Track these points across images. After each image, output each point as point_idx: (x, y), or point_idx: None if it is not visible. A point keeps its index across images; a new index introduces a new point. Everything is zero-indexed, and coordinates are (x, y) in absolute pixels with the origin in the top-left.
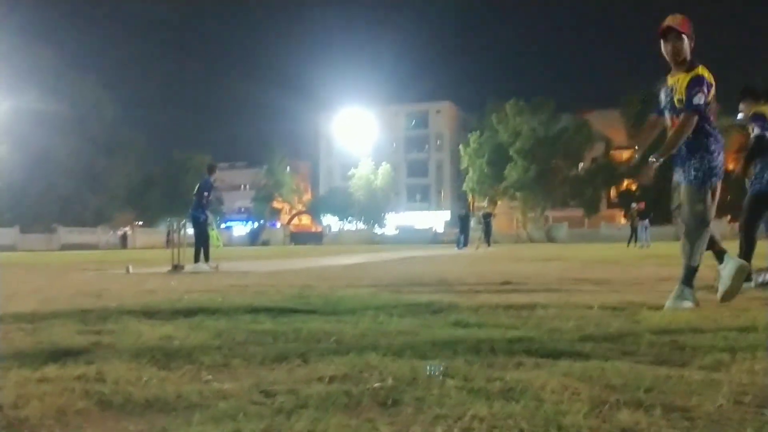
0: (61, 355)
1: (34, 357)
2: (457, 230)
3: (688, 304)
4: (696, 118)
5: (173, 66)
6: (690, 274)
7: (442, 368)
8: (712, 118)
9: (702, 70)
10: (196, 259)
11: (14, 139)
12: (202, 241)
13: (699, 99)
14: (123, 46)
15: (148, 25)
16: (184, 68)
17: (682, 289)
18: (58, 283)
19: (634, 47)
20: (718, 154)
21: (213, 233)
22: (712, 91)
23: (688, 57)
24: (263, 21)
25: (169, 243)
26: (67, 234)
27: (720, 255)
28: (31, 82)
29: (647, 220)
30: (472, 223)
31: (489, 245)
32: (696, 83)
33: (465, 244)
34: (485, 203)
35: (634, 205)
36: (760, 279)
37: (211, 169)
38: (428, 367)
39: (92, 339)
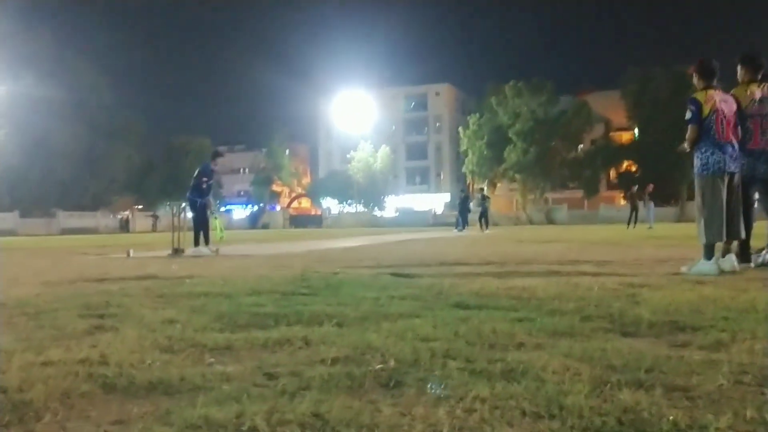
0: (64, 338)
1: (38, 341)
2: (456, 212)
3: None
4: (689, 128)
5: (172, 49)
6: None
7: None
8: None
9: (696, 94)
10: (196, 243)
11: (13, 124)
12: (201, 225)
13: (687, 114)
14: (122, 30)
15: (147, 9)
16: (183, 52)
17: None
18: (59, 268)
19: (633, 28)
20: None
21: (216, 222)
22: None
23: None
24: (262, 4)
25: (154, 227)
26: (67, 218)
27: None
28: (29, 66)
29: (652, 202)
30: (472, 205)
31: (485, 228)
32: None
33: (464, 226)
34: (484, 185)
35: (634, 188)
36: (760, 259)
37: (215, 155)
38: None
39: (95, 323)
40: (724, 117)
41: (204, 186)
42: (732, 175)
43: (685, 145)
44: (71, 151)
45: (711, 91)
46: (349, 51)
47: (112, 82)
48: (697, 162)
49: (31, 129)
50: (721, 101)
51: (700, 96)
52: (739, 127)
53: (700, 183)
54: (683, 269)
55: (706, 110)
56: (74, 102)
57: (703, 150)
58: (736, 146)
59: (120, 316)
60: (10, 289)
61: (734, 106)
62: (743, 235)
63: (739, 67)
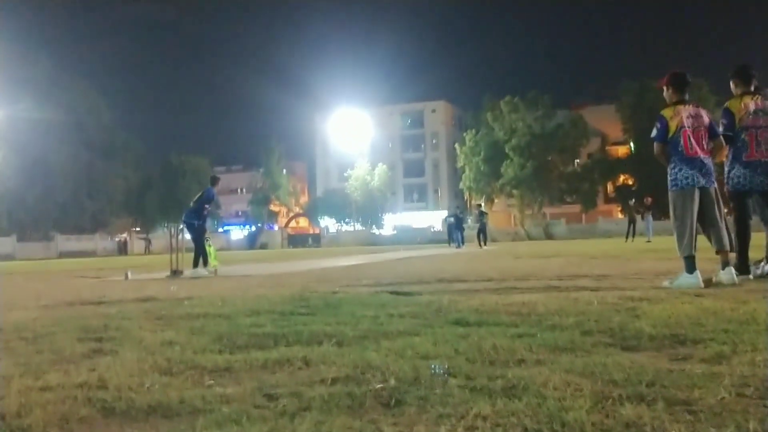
0: (62, 362)
1: (36, 365)
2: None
3: None
4: (654, 145)
5: (168, 69)
6: None
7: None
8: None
9: (663, 110)
10: (195, 264)
11: (11, 146)
12: (200, 247)
13: (652, 132)
14: (118, 51)
15: (143, 29)
16: (179, 71)
17: None
18: (57, 291)
19: (627, 42)
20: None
21: (210, 249)
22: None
23: (668, 101)
24: (258, 23)
25: (147, 250)
26: (65, 241)
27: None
28: (27, 88)
29: (650, 214)
30: (469, 221)
31: (483, 244)
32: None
33: (460, 244)
34: (482, 201)
35: (632, 201)
36: (759, 271)
37: (215, 181)
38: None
39: (93, 346)
40: (692, 132)
41: (204, 212)
42: (705, 189)
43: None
44: (69, 172)
45: (679, 107)
46: (345, 69)
47: (110, 102)
48: (668, 178)
49: (29, 151)
50: (689, 116)
51: (666, 113)
52: (711, 142)
53: (671, 198)
54: (665, 283)
55: (673, 126)
56: (72, 123)
57: (672, 166)
58: (707, 161)
59: (119, 338)
60: (8, 313)
61: (706, 120)
62: (727, 246)
63: (731, 81)
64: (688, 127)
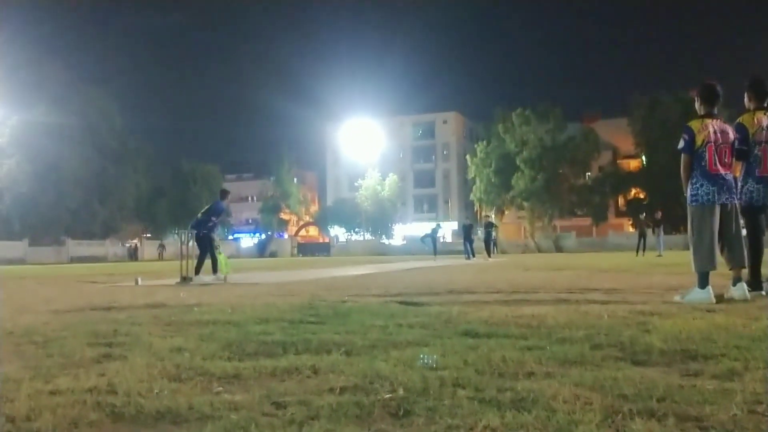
0: (72, 367)
1: (46, 369)
2: (462, 240)
3: None
4: (682, 156)
5: (181, 76)
6: None
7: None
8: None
9: (691, 122)
10: (197, 272)
11: (24, 152)
12: (205, 255)
13: (680, 143)
14: (131, 57)
15: (156, 36)
16: (192, 79)
17: None
18: (68, 296)
19: (640, 55)
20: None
21: (221, 257)
22: (695, 135)
23: (698, 112)
24: (271, 32)
25: (161, 256)
26: (76, 246)
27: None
28: (40, 94)
29: (661, 229)
30: (479, 232)
31: (492, 255)
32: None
33: (472, 254)
34: (491, 213)
35: (642, 214)
36: None
37: (224, 195)
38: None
39: (103, 351)
40: (718, 148)
41: (210, 224)
42: (725, 205)
43: (682, 177)
44: (81, 177)
45: (708, 120)
46: (356, 79)
47: (122, 108)
48: (688, 192)
49: (42, 156)
50: (716, 131)
51: (694, 125)
52: (733, 157)
53: (690, 212)
54: (676, 298)
55: (699, 140)
56: (84, 128)
57: (693, 181)
58: (730, 177)
59: (128, 344)
60: (19, 317)
61: (731, 136)
62: (746, 263)
63: (746, 93)
64: (714, 143)
